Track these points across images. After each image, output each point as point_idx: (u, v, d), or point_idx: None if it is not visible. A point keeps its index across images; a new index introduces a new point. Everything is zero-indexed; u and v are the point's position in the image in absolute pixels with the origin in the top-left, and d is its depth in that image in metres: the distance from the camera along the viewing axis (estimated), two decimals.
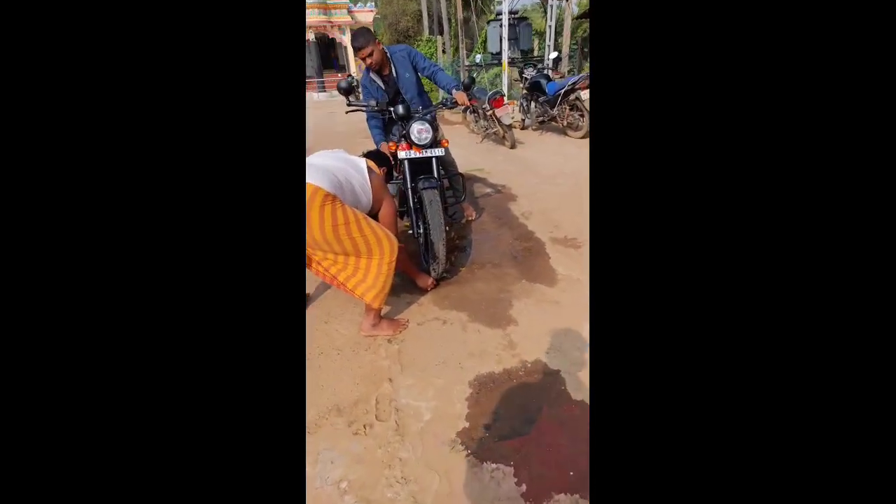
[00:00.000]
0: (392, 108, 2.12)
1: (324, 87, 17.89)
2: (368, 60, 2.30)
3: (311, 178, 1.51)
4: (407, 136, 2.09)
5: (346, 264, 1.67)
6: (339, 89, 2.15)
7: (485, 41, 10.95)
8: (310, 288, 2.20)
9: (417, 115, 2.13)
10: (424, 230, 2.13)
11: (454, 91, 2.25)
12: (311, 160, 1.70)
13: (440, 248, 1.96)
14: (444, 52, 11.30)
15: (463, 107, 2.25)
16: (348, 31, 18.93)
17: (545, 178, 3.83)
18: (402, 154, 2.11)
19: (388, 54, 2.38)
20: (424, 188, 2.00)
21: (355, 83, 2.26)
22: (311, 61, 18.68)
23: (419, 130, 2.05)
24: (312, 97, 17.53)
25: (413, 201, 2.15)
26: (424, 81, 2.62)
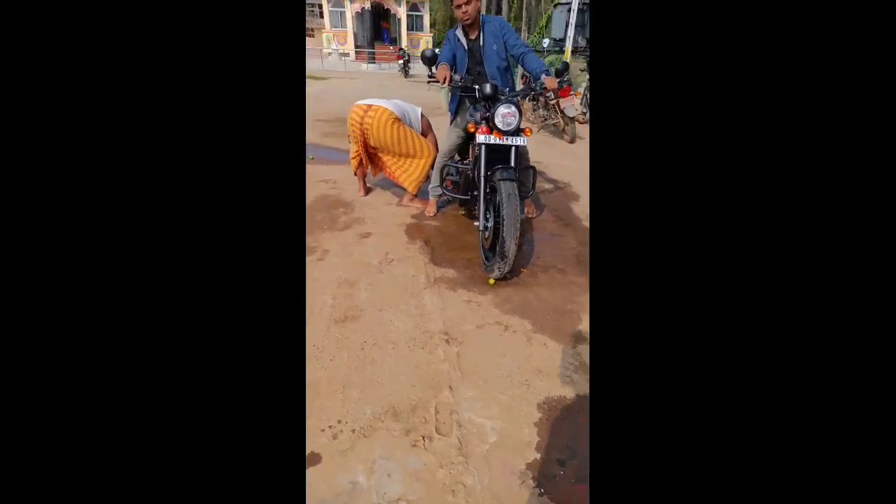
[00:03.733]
0: (479, 87, 1.93)
1: (374, 59, 17.67)
2: (465, 9, 2.10)
3: (383, 105, 2.67)
4: (489, 120, 1.90)
5: (401, 164, 2.84)
6: (424, 58, 1.97)
7: (545, 25, 10.40)
8: (359, 274, 2.08)
9: (504, 97, 1.92)
10: (495, 223, 1.95)
11: (544, 76, 2.02)
12: (380, 102, 2.72)
13: (511, 247, 1.79)
14: None
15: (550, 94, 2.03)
16: (404, 3, 18.53)
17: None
18: (480, 138, 1.93)
19: (482, 19, 2.17)
20: (502, 179, 1.82)
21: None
22: (364, 31, 18.44)
23: (505, 115, 1.86)
24: (361, 66, 17.37)
25: (484, 190, 1.97)
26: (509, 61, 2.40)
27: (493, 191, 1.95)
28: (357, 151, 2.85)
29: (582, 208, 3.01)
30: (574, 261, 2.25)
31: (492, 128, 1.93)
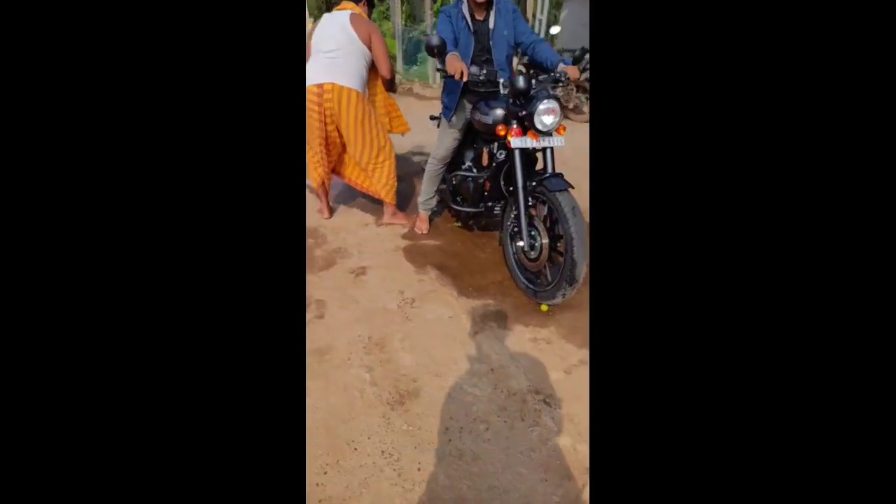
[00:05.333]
0: (512, 80, 1.57)
1: None
2: None
3: (340, 80, 2.02)
4: (525, 119, 1.57)
5: (371, 164, 2.24)
6: (429, 48, 1.55)
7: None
8: (382, 326, 1.63)
9: (542, 90, 1.60)
10: (552, 245, 1.65)
11: (562, 66, 1.74)
12: (320, 61, 2.05)
13: (582, 270, 1.51)
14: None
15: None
16: None
17: (580, 170, 3.49)
18: (516, 142, 1.60)
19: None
20: (556, 190, 1.52)
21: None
22: None
23: (548, 112, 1.54)
24: None
25: (526, 203, 1.65)
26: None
27: (540, 205, 1.65)
28: (318, 153, 2.18)
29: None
30: None
31: (525, 128, 1.61)
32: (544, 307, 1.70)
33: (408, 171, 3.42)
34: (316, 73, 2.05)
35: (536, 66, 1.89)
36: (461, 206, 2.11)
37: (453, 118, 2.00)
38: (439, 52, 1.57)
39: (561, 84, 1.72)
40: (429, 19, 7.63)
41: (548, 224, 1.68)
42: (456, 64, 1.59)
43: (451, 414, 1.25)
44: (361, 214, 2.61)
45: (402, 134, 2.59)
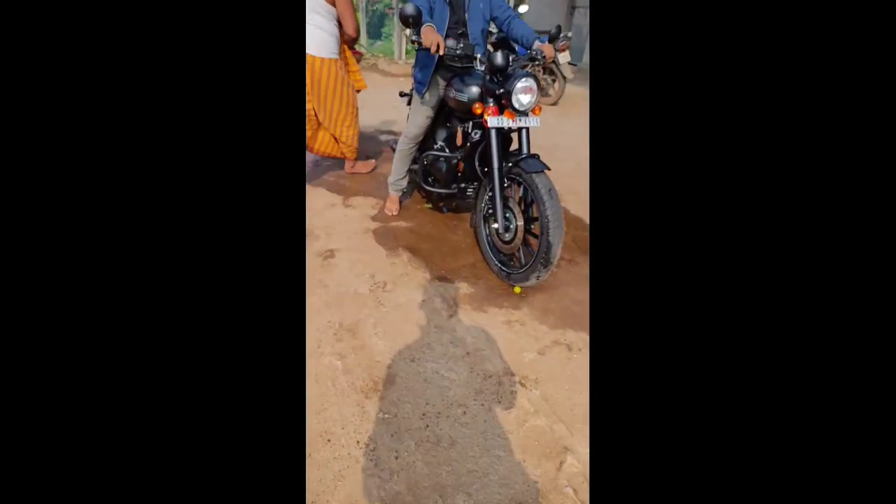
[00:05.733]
0: (489, 55, 1.51)
1: None
2: None
3: (318, 51, 2.12)
4: (504, 97, 1.52)
5: (336, 131, 2.38)
6: (403, 17, 1.45)
7: None
8: (353, 312, 1.57)
9: (519, 68, 1.55)
10: (527, 228, 1.63)
11: (538, 44, 1.69)
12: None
13: (557, 252, 1.51)
14: None
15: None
16: None
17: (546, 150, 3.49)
18: (492, 121, 1.55)
19: None
20: (533, 171, 1.50)
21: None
22: None
23: (526, 91, 1.50)
24: None
25: (501, 185, 1.62)
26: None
27: (512, 185, 1.62)
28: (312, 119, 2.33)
29: (561, 179, 2.87)
30: (575, 247, 2.09)
31: (502, 107, 1.57)
32: (517, 289, 1.69)
33: (375, 149, 3.30)
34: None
35: (506, 45, 1.83)
36: (433, 186, 2.05)
37: (426, 95, 1.92)
38: (414, 23, 1.48)
39: (537, 63, 1.68)
40: None
41: (522, 206, 1.67)
42: (432, 36, 1.50)
43: (428, 399, 1.23)
44: (328, 195, 2.49)
45: (358, 91, 2.56)
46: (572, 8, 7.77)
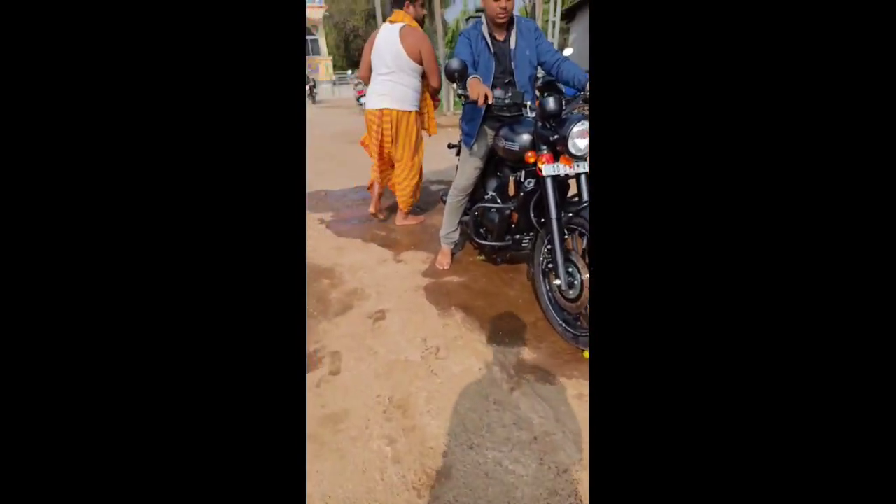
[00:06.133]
0: (541, 101, 1.41)
1: None
2: (504, 4, 1.57)
3: (401, 105, 2.40)
4: (559, 143, 1.40)
5: (402, 178, 2.58)
6: (450, 72, 1.41)
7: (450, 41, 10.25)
8: (403, 383, 1.43)
9: (570, 111, 1.44)
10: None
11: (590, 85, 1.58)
12: (378, 83, 2.41)
13: None
14: None
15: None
16: None
17: None
18: (548, 169, 1.42)
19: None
20: None
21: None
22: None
23: (582, 134, 1.37)
24: None
25: (561, 237, 1.45)
26: None
27: (568, 235, 1.46)
28: (375, 162, 2.62)
29: None
30: None
31: (556, 154, 1.44)
32: (586, 354, 1.47)
33: (426, 199, 3.29)
34: (375, 96, 2.40)
35: (552, 88, 1.74)
36: (486, 239, 1.93)
37: (474, 146, 1.85)
38: (460, 77, 1.43)
39: (587, 104, 1.55)
40: (441, 47, 7.66)
41: (587, 258, 1.48)
42: (479, 88, 1.44)
43: (490, 500, 1.03)
44: (379, 250, 2.46)
45: (430, 135, 2.80)
46: None
